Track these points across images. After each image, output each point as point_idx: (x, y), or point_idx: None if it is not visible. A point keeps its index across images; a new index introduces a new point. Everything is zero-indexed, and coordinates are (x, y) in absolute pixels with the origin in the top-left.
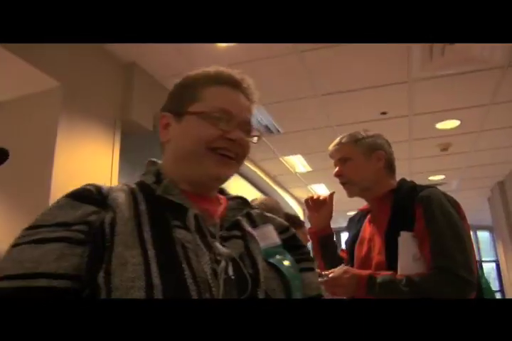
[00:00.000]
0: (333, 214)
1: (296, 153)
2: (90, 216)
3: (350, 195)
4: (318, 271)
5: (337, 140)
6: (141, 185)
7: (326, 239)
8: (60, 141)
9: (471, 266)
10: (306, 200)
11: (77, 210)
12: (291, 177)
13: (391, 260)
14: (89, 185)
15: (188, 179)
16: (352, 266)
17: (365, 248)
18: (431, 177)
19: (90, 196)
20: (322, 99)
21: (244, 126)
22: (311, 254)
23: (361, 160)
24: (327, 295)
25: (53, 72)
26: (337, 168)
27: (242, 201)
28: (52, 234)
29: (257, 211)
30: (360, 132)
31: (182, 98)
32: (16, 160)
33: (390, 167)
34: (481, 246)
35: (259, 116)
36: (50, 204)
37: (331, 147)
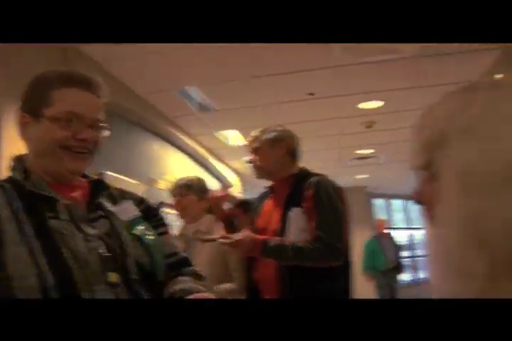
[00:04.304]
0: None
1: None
2: None
3: (258, 177)
4: (224, 233)
5: (251, 133)
6: (12, 181)
7: None
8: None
9: (342, 237)
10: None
11: None
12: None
13: (284, 230)
14: None
15: (49, 173)
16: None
17: (265, 218)
18: (359, 151)
19: None
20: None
21: (94, 123)
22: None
23: (267, 150)
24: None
25: None
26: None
27: (101, 183)
28: None
29: (115, 189)
30: (270, 127)
31: (37, 101)
32: None
33: (292, 155)
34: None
35: (195, 95)
36: None
37: (247, 139)
